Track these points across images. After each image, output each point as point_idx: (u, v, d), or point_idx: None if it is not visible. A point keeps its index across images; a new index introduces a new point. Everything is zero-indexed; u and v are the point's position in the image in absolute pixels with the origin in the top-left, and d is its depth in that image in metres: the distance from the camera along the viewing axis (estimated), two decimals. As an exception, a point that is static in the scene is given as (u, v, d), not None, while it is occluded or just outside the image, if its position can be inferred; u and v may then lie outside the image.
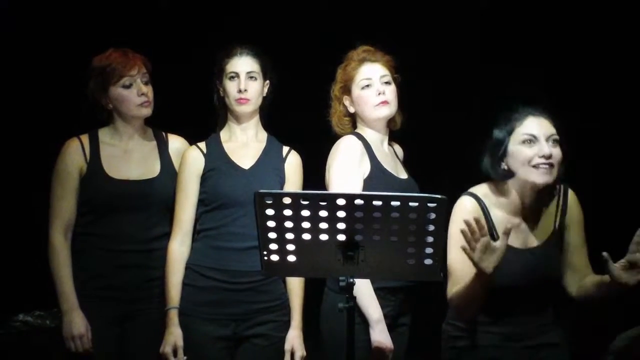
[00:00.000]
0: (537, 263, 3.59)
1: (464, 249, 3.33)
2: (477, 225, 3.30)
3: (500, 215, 3.60)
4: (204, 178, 4.05)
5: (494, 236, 3.48)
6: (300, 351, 4.03)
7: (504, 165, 3.57)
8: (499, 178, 3.59)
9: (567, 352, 3.69)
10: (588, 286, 3.58)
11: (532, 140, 3.52)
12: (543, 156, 3.49)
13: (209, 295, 3.99)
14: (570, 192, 3.67)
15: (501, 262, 3.34)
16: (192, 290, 4.01)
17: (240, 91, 4.06)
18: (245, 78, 4.07)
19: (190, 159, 4.09)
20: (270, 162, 4.10)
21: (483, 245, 3.32)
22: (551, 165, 3.50)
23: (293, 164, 4.14)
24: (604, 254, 3.37)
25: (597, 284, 3.52)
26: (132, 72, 4.07)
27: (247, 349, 4.03)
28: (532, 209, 3.61)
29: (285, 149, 4.17)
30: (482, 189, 3.64)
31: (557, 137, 3.53)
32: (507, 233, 3.33)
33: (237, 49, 4.12)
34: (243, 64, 4.09)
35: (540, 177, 3.51)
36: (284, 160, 4.13)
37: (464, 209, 3.58)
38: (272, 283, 4.03)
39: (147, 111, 4.12)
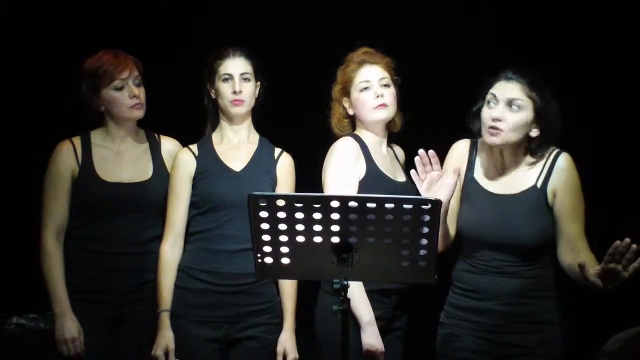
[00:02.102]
0: (507, 211, 3.66)
1: (412, 175, 3.53)
2: (432, 159, 3.49)
3: (484, 160, 3.75)
4: (196, 181, 4.05)
5: (472, 173, 3.74)
6: (292, 354, 4.03)
7: (477, 125, 3.74)
8: (475, 133, 3.75)
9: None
10: (577, 272, 3.54)
11: (492, 101, 3.66)
12: (491, 118, 3.63)
13: (201, 298, 3.99)
14: (564, 157, 3.70)
15: (468, 206, 3.65)
16: (184, 292, 4.01)
17: (235, 92, 4.06)
18: (239, 79, 4.07)
19: (181, 161, 4.09)
20: (261, 164, 4.10)
21: (431, 177, 3.50)
22: (498, 128, 3.62)
23: (285, 165, 4.13)
24: (580, 261, 3.43)
25: (582, 274, 3.51)
26: (123, 74, 4.06)
27: (239, 352, 4.03)
28: (509, 161, 3.71)
29: (277, 150, 4.16)
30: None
31: (521, 102, 3.62)
32: (456, 172, 3.52)
33: (229, 50, 4.11)
34: (237, 66, 4.09)
35: (488, 138, 3.66)
36: (275, 162, 4.13)
37: (456, 147, 3.82)
38: (264, 285, 4.02)
39: (139, 113, 4.11)
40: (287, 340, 4.03)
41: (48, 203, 4.05)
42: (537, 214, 3.68)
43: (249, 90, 4.09)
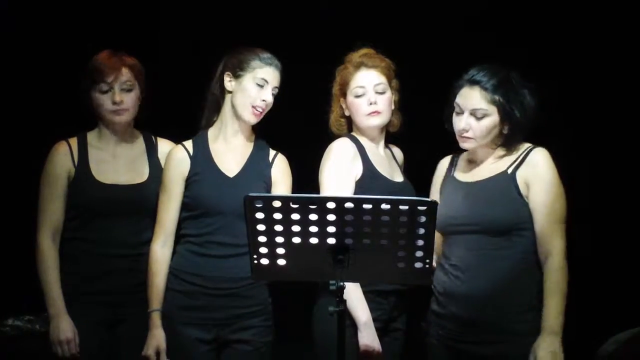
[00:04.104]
0: (474, 195, 3.71)
1: None
2: None
3: (463, 157, 3.86)
4: (189, 182, 4.01)
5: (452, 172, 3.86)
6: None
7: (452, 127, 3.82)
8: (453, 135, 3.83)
9: None
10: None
11: (459, 112, 3.73)
12: (458, 129, 3.72)
13: (191, 300, 3.96)
14: (539, 151, 3.72)
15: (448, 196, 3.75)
16: (175, 294, 3.98)
17: (263, 100, 3.98)
18: (270, 91, 4.00)
19: (175, 160, 4.05)
20: (256, 168, 4.06)
21: None
22: (469, 137, 3.71)
23: (280, 168, 4.09)
24: None
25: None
26: (109, 78, 4.04)
27: (230, 354, 4.00)
28: (482, 153, 3.79)
29: (272, 153, 4.12)
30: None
31: (484, 111, 3.68)
32: None
33: (274, 59, 4.04)
34: (276, 77, 4.02)
35: (461, 145, 3.77)
36: (270, 165, 4.08)
37: (438, 166, 3.95)
38: (255, 288, 3.99)
39: (119, 119, 4.08)
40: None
41: (44, 204, 4.04)
42: (505, 196, 3.68)
43: (269, 103, 4.03)
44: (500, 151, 3.76)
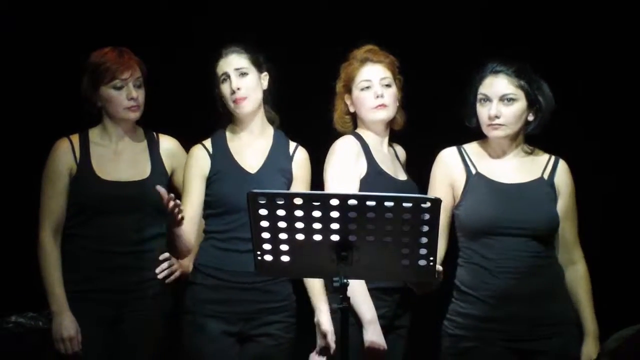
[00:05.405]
0: (520, 198, 3.72)
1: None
2: None
3: (483, 156, 3.81)
4: (210, 181, 4.00)
5: (474, 170, 3.78)
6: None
7: (474, 122, 3.81)
8: (474, 129, 3.82)
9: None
10: (574, 298, 3.79)
11: (485, 100, 3.74)
12: (490, 117, 3.71)
13: (216, 294, 3.95)
14: (562, 162, 3.83)
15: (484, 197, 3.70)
16: (199, 288, 3.97)
17: (233, 91, 4.02)
18: (235, 76, 4.01)
19: (195, 158, 4.03)
20: (277, 162, 4.05)
21: None
22: (501, 124, 3.72)
23: (300, 161, 4.09)
24: None
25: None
26: (124, 75, 4.04)
27: (251, 347, 3.98)
28: (509, 151, 3.80)
29: (292, 145, 4.10)
30: (472, 144, 3.86)
31: (513, 95, 3.72)
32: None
33: (222, 50, 4.05)
34: (230, 63, 4.02)
35: (491, 134, 3.76)
36: (291, 158, 4.08)
37: (440, 159, 3.85)
38: (279, 283, 3.98)
39: (134, 115, 4.08)
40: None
41: (46, 201, 4.03)
42: (547, 201, 3.75)
43: (248, 85, 4.01)
44: (523, 151, 3.81)
